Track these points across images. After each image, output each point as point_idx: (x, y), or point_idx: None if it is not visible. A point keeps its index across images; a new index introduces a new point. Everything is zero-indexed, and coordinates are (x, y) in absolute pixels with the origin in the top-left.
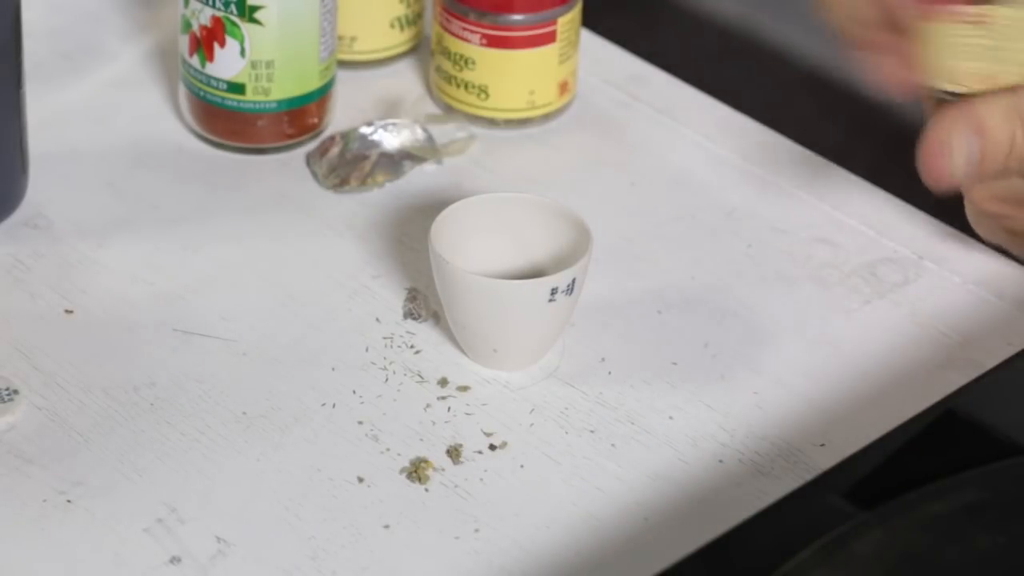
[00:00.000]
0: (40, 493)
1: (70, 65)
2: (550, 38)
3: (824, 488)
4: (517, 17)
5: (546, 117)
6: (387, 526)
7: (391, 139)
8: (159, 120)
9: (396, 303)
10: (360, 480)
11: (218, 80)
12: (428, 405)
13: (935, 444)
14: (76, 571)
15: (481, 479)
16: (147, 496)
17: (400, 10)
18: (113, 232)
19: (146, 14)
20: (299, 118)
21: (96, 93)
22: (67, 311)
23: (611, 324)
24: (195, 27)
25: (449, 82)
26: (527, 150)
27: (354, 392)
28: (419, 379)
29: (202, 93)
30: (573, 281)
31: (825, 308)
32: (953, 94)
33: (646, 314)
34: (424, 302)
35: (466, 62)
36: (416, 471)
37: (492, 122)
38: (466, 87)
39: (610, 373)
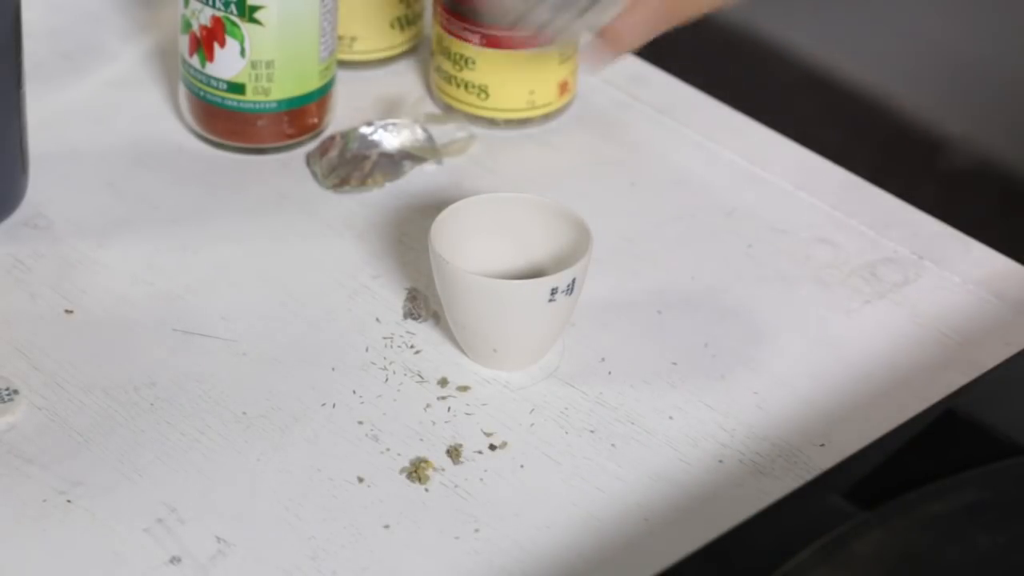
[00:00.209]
0: (40, 493)
1: (70, 65)
2: None
3: (824, 488)
4: None
5: (546, 117)
6: (387, 526)
7: (391, 139)
8: (159, 120)
9: (396, 303)
10: (360, 480)
11: (218, 80)
12: (428, 405)
13: (935, 444)
14: (76, 571)
15: (481, 479)
16: (147, 496)
17: (400, 10)
18: (113, 232)
19: (146, 14)
20: (299, 118)
21: (96, 93)
22: (67, 311)
23: (611, 324)
24: (195, 27)
25: (449, 82)
26: (527, 150)
27: (354, 392)
28: (419, 379)
29: (202, 93)
30: (573, 281)
31: (825, 308)
32: None
33: (646, 314)
34: (424, 302)
35: (466, 62)
36: (416, 471)
37: (492, 122)
38: (466, 87)
39: (610, 373)
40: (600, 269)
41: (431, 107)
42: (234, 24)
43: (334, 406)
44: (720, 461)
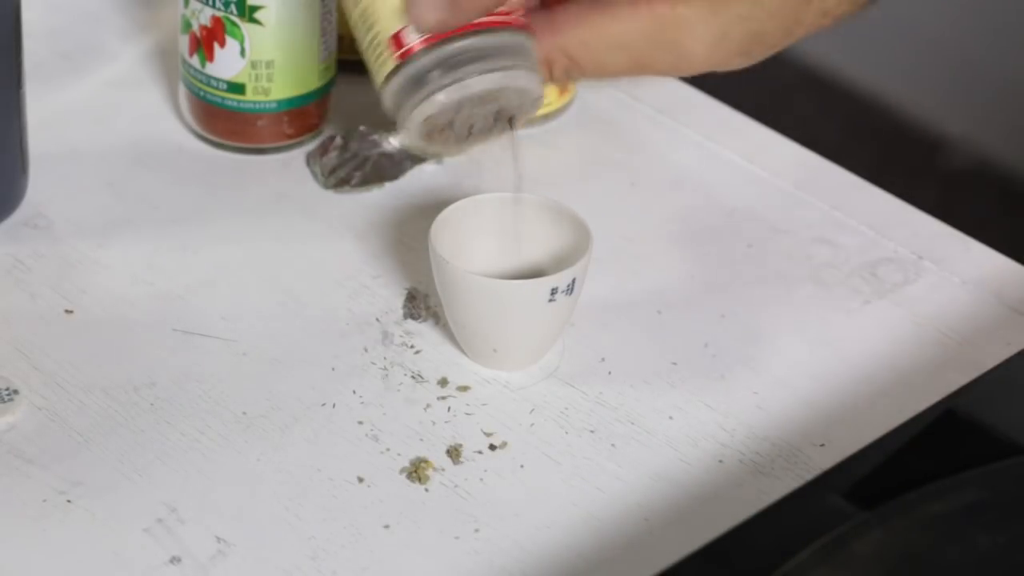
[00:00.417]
0: (40, 493)
1: (70, 65)
2: None
3: (824, 488)
4: None
5: (546, 117)
6: (387, 526)
7: (391, 139)
8: (159, 120)
9: (396, 303)
10: (360, 480)
11: (218, 80)
12: (428, 405)
13: (935, 444)
14: (76, 571)
15: (481, 479)
16: (147, 496)
17: None
18: (113, 232)
19: (146, 14)
20: (299, 118)
21: (96, 93)
22: (67, 311)
23: (611, 324)
24: (195, 27)
25: None
26: (527, 150)
27: (354, 392)
28: (419, 379)
29: (202, 93)
30: (573, 281)
31: (825, 308)
32: None
33: (646, 314)
34: (424, 302)
35: None
36: (416, 471)
37: None
38: None
39: (610, 373)
40: (600, 269)
41: None
42: (234, 24)
43: (334, 406)
44: (720, 461)
